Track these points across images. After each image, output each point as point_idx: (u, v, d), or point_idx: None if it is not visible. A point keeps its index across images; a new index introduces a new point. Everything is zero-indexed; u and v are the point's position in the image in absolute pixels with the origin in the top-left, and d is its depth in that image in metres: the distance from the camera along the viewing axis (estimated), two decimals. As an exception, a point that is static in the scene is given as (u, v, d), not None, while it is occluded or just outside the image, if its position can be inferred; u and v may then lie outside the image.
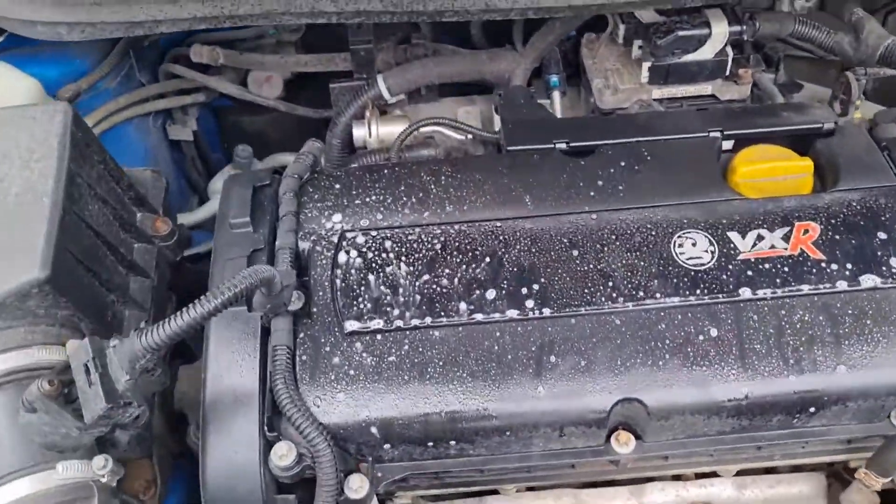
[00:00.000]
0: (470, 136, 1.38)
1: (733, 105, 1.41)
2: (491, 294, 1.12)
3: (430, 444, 1.08)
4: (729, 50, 1.37)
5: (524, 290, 1.12)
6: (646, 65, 1.38)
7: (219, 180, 1.72)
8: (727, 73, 1.39)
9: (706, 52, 1.35)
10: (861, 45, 1.30)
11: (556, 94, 1.45)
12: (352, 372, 1.08)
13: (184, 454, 1.39)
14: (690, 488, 1.24)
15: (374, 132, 1.45)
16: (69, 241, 1.05)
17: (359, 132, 1.46)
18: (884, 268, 1.12)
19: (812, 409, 1.07)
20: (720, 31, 1.32)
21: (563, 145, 1.27)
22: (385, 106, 1.51)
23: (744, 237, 1.15)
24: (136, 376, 0.94)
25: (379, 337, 1.10)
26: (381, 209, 1.21)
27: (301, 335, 1.11)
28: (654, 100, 1.42)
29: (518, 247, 1.16)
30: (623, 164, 1.24)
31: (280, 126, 1.86)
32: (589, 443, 1.09)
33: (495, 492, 1.24)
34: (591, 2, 1.23)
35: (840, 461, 1.20)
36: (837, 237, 1.15)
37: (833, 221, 1.16)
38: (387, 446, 1.08)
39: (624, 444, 1.08)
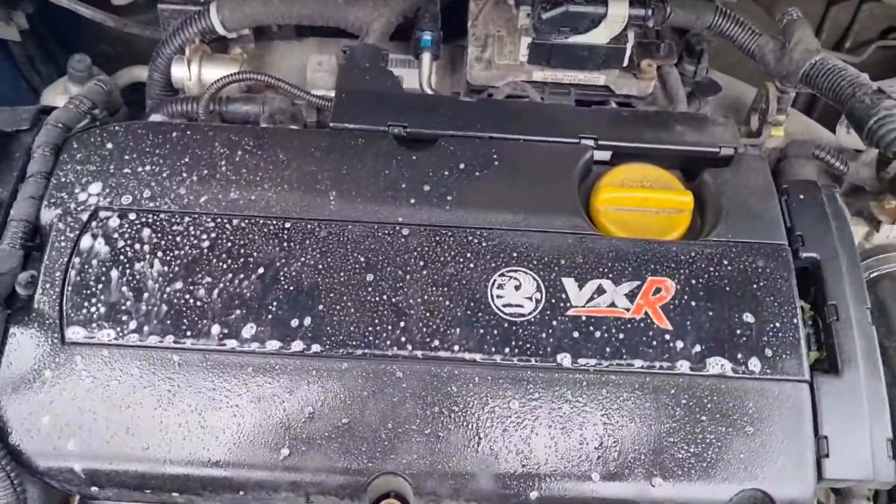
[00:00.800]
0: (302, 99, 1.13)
1: (623, 109, 1.15)
2: (253, 317, 0.90)
3: (149, 491, 0.88)
4: (630, 36, 1.11)
5: (295, 317, 0.90)
6: (526, 40, 1.12)
7: (51, 92, 1.46)
8: (625, 63, 1.13)
9: (600, 36, 1.09)
10: (785, 58, 1.05)
11: (426, 57, 1.19)
12: (64, 392, 0.87)
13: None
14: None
15: (195, 74, 1.19)
16: None
17: (178, 72, 1.20)
18: (739, 353, 0.90)
19: (616, 518, 0.88)
20: (618, 12, 1.06)
21: (399, 130, 1.03)
22: (224, 41, 1.25)
23: (581, 287, 0.93)
24: None
25: (105, 352, 0.89)
26: (153, 184, 0.98)
27: (14, 334, 0.89)
28: (535, 82, 1.16)
29: (303, 259, 0.93)
30: (462, 165, 1.00)
31: (150, 32, 1.59)
32: (344, 513, 0.90)
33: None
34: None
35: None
36: (693, 304, 0.93)
37: (694, 282, 0.94)
38: (94, 488, 0.88)
39: (387, 520, 0.89)
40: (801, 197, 1.02)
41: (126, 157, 1.00)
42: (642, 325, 0.92)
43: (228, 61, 1.21)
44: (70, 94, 1.44)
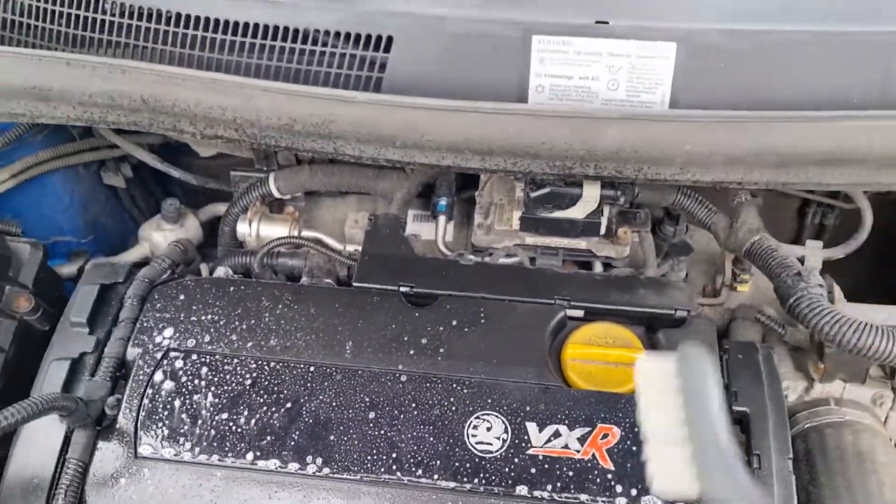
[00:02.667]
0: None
1: (596, 272, 1.37)
2: (280, 443, 1.14)
3: (196, 574, 1.13)
4: (606, 210, 1.33)
5: (311, 445, 1.14)
6: (517, 213, 1.35)
7: (147, 227, 1.78)
8: (602, 232, 1.35)
9: (577, 212, 1.31)
10: (732, 235, 1.25)
11: (441, 219, 1.44)
12: (133, 496, 1.13)
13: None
14: None
15: (255, 232, 1.47)
16: None
17: (241, 228, 1.49)
18: (667, 493, 1.09)
19: None
20: (592, 193, 1.28)
21: (408, 290, 1.28)
22: (281, 199, 1.53)
23: (541, 430, 1.14)
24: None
25: (166, 466, 1.14)
26: (212, 330, 1.25)
27: (101, 448, 1.16)
28: (528, 246, 1.39)
29: (321, 397, 1.18)
30: (454, 322, 1.24)
31: (224, 170, 1.90)
32: None
33: None
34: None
35: None
36: (634, 448, 1.12)
37: (636, 430, 1.13)
38: (153, 573, 1.13)
39: None
40: (740, 356, 1.20)
41: (193, 307, 1.27)
42: (589, 464, 1.11)
43: (281, 221, 1.49)
44: (162, 229, 1.77)
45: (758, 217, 1.25)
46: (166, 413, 1.18)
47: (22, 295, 1.35)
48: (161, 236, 1.77)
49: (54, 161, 1.63)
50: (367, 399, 1.17)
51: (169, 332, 1.25)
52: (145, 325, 1.26)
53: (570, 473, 1.11)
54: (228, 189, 1.70)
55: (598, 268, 1.41)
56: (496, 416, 1.15)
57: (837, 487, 1.12)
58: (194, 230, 1.80)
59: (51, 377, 1.22)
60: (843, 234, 1.48)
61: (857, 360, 1.17)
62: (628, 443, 1.12)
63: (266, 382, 1.19)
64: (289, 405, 1.17)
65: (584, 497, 1.09)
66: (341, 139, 1.15)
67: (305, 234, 1.47)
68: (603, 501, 1.09)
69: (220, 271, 1.40)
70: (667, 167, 1.11)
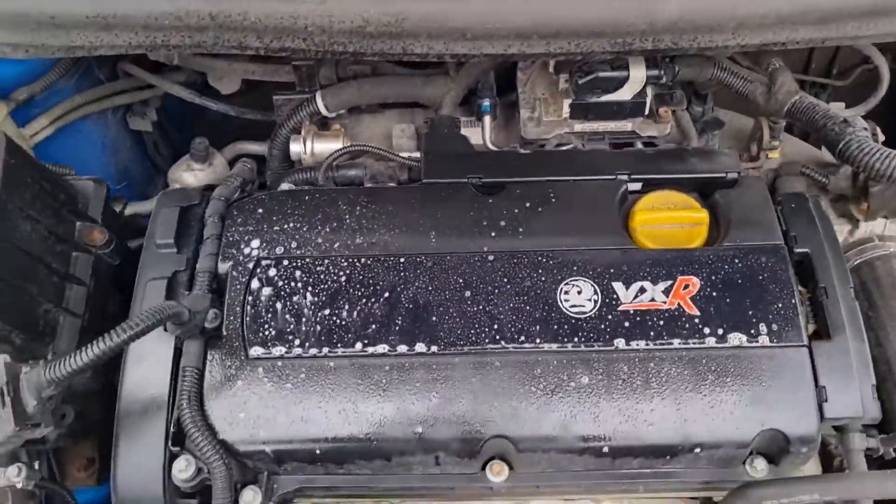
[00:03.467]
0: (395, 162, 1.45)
1: (646, 148, 1.45)
2: (385, 329, 1.21)
3: (319, 463, 1.19)
4: (649, 91, 1.41)
5: (415, 328, 1.21)
6: (566, 101, 1.43)
7: (177, 169, 1.80)
8: (646, 112, 1.43)
9: (625, 94, 1.39)
10: (772, 98, 1.34)
11: (487, 120, 1.50)
12: (252, 395, 1.18)
13: (124, 436, 1.52)
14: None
15: (310, 149, 1.51)
16: (-1, 265, 1.15)
17: (295, 148, 1.53)
18: (752, 328, 1.19)
19: (668, 456, 1.17)
20: (638, 74, 1.36)
21: (476, 180, 1.34)
22: (325, 118, 1.57)
23: (627, 288, 1.23)
24: (43, 402, 1.05)
25: (279, 363, 1.20)
26: (297, 237, 1.29)
27: (211, 356, 1.21)
28: (576, 133, 1.47)
29: (416, 284, 1.24)
30: (528, 204, 1.31)
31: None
32: (464, 470, 1.20)
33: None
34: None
35: (703, 497, 1.30)
36: (714, 294, 1.22)
37: (714, 278, 1.23)
38: (280, 463, 1.19)
39: (497, 474, 1.18)
40: (793, 206, 1.31)
41: (274, 218, 1.32)
42: (676, 313, 1.21)
43: (332, 136, 1.54)
44: (192, 169, 1.79)
45: (793, 79, 1.35)
46: (269, 316, 1.23)
47: (95, 229, 1.38)
48: (191, 176, 1.79)
49: (89, 105, 1.64)
50: (460, 280, 1.24)
51: (256, 243, 1.29)
52: (231, 239, 1.30)
53: (661, 322, 1.20)
54: (265, 119, 1.74)
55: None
56: (584, 281, 1.23)
57: (893, 308, 1.24)
58: (222, 167, 1.83)
59: (150, 296, 1.25)
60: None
61: (896, 197, 1.29)
62: (708, 290, 1.22)
63: (361, 277, 1.25)
64: (387, 295, 1.23)
65: (676, 342, 1.19)
66: (412, 37, 1.20)
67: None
68: (694, 343, 1.19)
69: (285, 187, 1.44)
70: (720, 34, 1.19)
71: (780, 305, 1.21)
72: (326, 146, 1.51)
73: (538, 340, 1.19)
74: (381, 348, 1.20)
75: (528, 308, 1.22)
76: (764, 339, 1.18)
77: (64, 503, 1.28)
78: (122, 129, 1.83)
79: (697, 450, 1.15)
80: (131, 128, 1.84)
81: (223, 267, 1.28)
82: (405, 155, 1.48)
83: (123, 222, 1.59)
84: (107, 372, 1.37)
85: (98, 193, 1.42)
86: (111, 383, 1.46)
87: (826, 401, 1.16)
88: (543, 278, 1.24)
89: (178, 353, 1.22)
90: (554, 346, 1.19)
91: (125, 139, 1.84)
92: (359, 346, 1.20)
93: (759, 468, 1.19)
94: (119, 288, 1.51)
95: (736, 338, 1.19)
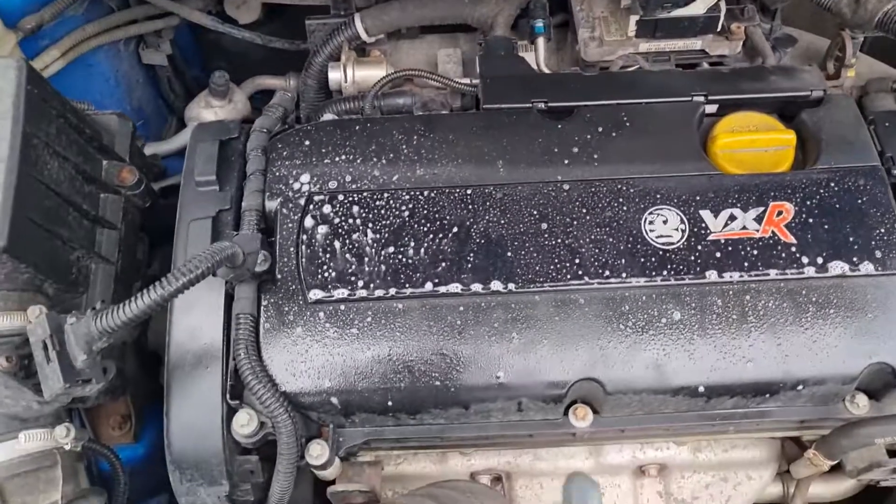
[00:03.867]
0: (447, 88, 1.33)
1: (720, 67, 1.35)
2: (456, 267, 1.11)
3: (390, 413, 1.10)
4: (722, 4, 1.30)
5: (490, 264, 1.11)
6: (634, 18, 1.31)
7: (195, 106, 1.67)
8: (719, 28, 1.33)
9: (698, 7, 1.28)
10: (860, 9, 1.24)
11: (541, 41, 1.38)
12: (314, 342, 1.09)
13: (159, 391, 1.42)
14: (647, 451, 1.28)
15: (350, 77, 1.39)
16: (27, 206, 1.03)
17: (334, 76, 1.40)
18: (854, 256, 1.10)
19: (767, 395, 1.09)
20: (714, -15, 1.25)
21: (542, 105, 1.23)
22: (363, 44, 1.45)
23: (716, 216, 1.13)
24: (93, 356, 0.94)
25: (342, 307, 1.10)
26: (351, 170, 1.18)
27: (265, 302, 1.11)
28: (641, 54, 1.36)
29: (487, 217, 1.14)
30: (601, 129, 1.20)
31: (262, 45, 1.79)
32: (547, 416, 1.12)
33: (457, 447, 1.28)
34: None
35: (793, 437, 1.23)
36: (811, 220, 1.13)
37: (808, 203, 1.14)
38: (347, 414, 1.10)
39: (581, 419, 1.11)
40: (887, 124, 1.21)
41: (323, 150, 1.20)
42: (771, 241, 1.12)
43: (374, 63, 1.41)
44: (211, 106, 1.67)
45: (882, -11, 1.24)
46: (328, 256, 1.12)
47: (124, 168, 1.26)
48: (211, 113, 1.67)
49: (100, 36, 1.50)
50: (534, 212, 1.14)
51: (305, 177, 1.18)
52: (277, 174, 1.18)
53: (755, 252, 1.11)
54: (292, 48, 1.61)
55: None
56: (669, 209, 1.14)
57: None
58: (242, 104, 1.71)
59: (194, 237, 1.14)
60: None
61: None
62: (804, 216, 1.13)
63: (426, 211, 1.14)
64: (455, 230, 1.13)
65: (773, 273, 1.10)
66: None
67: (400, 73, 1.40)
68: (792, 273, 1.10)
69: (327, 118, 1.32)
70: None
71: (882, 231, 1.12)
72: (369, 73, 1.39)
73: (624, 275, 1.10)
74: (454, 287, 1.10)
75: (611, 240, 1.12)
76: (867, 268, 1.10)
77: (109, 464, 1.19)
78: (135, 63, 1.69)
79: (800, 387, 1.07)
80: (144, 62, 1.70)
81: (271, 205, 1.17)
82: (457, 80, 1.36)
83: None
84: (139, 324, 1.27)
85: (124, 130, 1.29)
86: (144, 335, 1.37)
87: (935, 331, 1.08)
88: (625, 208, 1.14)
89: (229, 299, 1.12)
90: (642, 281, 1.10)
91: (138, 75, 1.70)
92: (429, 285, 1.10)
93: (860, 405, 1.11)
94: (145, 232, 1.40)
95: (837, 266, 1.10)
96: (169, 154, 1.67)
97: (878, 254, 1.10)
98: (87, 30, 1.47)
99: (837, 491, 1.39)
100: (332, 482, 1.17)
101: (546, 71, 1.39)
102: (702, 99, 1.23)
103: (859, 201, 1.14)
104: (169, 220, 1.22)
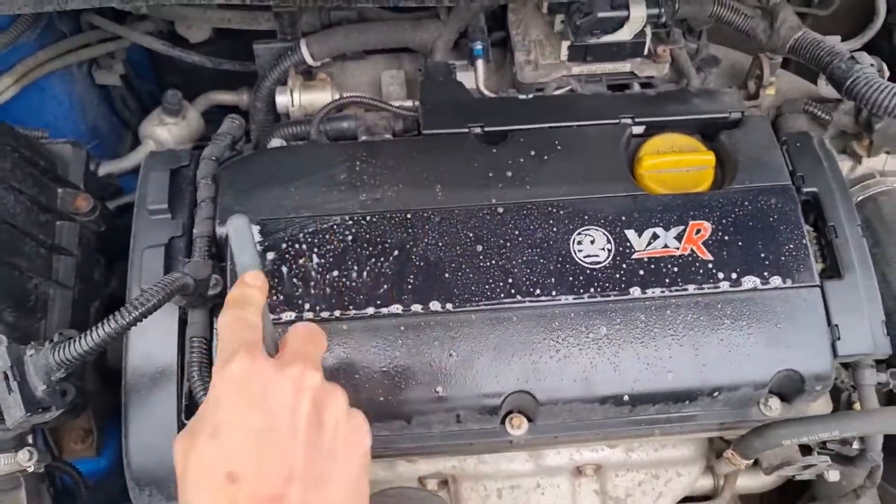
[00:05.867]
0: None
1: (647, 90, 1.42)
2: (397, 289, 1.18)
3: (338, 427, 1.17)
4: (648, 30, 1.37)
5: (428, 286, 1.18)
6: (565, 43, 1.38)
7: (148, 125, 1.71)
8: (646, 52, 1.40)
9: (624, 34, 1.35)
10: (774, 35, 1.32)
11: (480, 63, 1.45)
12: (265, 362, 1.15)
13: (119, 406, 1.48)
14: (584, 452, 1.37)
15: (297, 101, 1.45)
16: (-16, 241, 1.08)
17: (281, 100, 1.46)
18: (765, 270, 1.19)
19: (687, 401, 1.17)
20: (639, 14, 1.32)
21: (478, 130, 1.30)
22: (309, 68, 1.51)
23: (640, 235, 1.21)
24: (52, 386, 1.00)
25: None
26: (297, 196, 1.24)
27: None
28: (574, 76, 1.43)
29: (426, 240, 1.21)
30: (533, 153, 1.27)
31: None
32: (485, 426, 1.19)
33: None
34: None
35: (715, 436, 1.32)
36: (726, 238, 1.21)
37: (724, 221, 1.22)
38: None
39: (517, 427, 1.18)
40: (798, 145, 1.29)
41: (270, 177, 1.26)
42: (690, 258, 1.20)
43: (320, 86, 1.47)
44: (165, 124, 1.72)
45: (795, 14, 1.32)
46: (276, 280, 1.18)
47: (79, 195, 1.31)
48: (165, 131, 1.72)
49: (54, 61, 1.54)
50: (470, 234, 1.21)
51: (253, 204, 1.24)
52: (227, 201, 1.24)
53: (675, 269, 1.19)
54: (242, 70, 1.66)
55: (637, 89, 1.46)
56: (596, 230, 1.22)
57: (899, 244, 1.25)
58: (196, 120, 1.76)
59: (148, 265, 1.20)
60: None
61: (897, 134, 1.29)
62: (720, 233, 1.21)
63: (368, 236, 1.21)
64: (396, 253, 1.20)
65: (691, 287, 1.18)
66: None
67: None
68: (709, 288, 1.18)
69: (275, 143, 1.37)
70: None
71: (791, 247, 1.21)
72: (315, 97, 1.45)
73: (554, 293, 1.18)
74: (395, 308, 1.17)
75: (542, 260, 1.19)
76: (777, 281, 1.19)
77: (71, 480, 1.24)
78: (89, 84, 1.73)
79: (716, 393, 1.16)
80: (97, 82, 1.74)
81: (221, 231, 1.22)
82: (397, 104, 1.42)
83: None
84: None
85: (77, 157, 1.34)
86: (103, 354, 1.42)
87: (839, 339, 1.17)
88: (555, 229, 1.22)
89: (182, 324, 1.18)
90: (570, 298, 1.18)
91: (92, 95, 1.74)
92: (370, 309, 1.17)
93: (773, 407, 1.20)
94: (102, 254, 1.45)
95: (750, 281, 1.19)
96: (124, 172, 1.71)
97: (787, 268, 1.19)
98: (40, 56, 1.51)
99: (764, 483, 1.50)
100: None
101: (486, 91, 1.45)
102: (629, 121, 1.31)
103: (771, 219, 1.22)
104: (125, 238, 1.28)
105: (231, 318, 0.90)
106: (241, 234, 0.99)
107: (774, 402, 1.21)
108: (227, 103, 1.81)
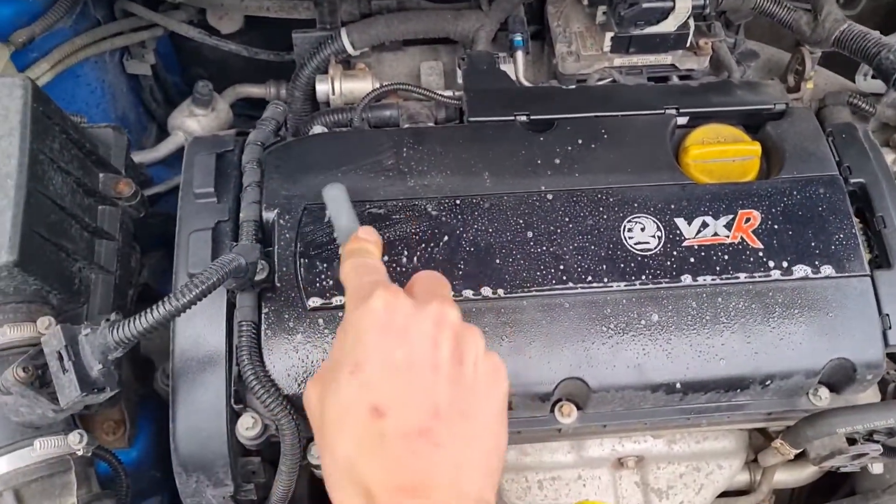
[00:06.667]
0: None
1: (690, 81, 1.42)
2: (448, 274, 1.15)
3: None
4: (691, 22, 1.38)
5: (479, 271, 1.17)
6: (608, 34, 1.38)
7: (178, 116, 1.70)
8: (688, 44, 1.40)
9: (669, 25, 1.36)
10: (818, 27, 1.33)
11: (520, 55, 1.45)
12: (314, 347, 1.13)
13: (150, 396, 1.46)
14: (626, 443, 1.36)
15: (338, 89, 1.44)
16: (35, 221, 1.06)
17: (322, 88, 1.45)
18: (815, 259, 1.19)
19: (738, 389, 1.17)
20: (684, 4, 1.33)
21: (524, 118, 1.30)
22: (348, 57, 1.50)
23: (689, 223, 1.21)
24: (108, 365, 0.98)
25: (340, 313, 1.15)
26: (344, 181, 1.22)
27: (266, 310, 1.15)
28: (615, 68, 1.43)
29: (476, 226, 1.20)
30: (580, 141, 1.27)
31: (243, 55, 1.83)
32: (534, 413, 1.18)
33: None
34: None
35: (761, 427, 1.32)
36: (776, 226, 1.21)
37: (774, 210, 1.22)
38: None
39: (567, 416, 1.17)
40: (844, 136, 1.30)
41: (317, 162, 1.25)
42: (740, 247, 1.20)
43: (360, 75, 1.46)
44: (195, 115, 1.71)
45: (839, 8, 1.33)
46: (325, 265, 1.17)
47: (121, 180, 1.29)
48: (195, 122, 1.71)
49: (89, 48, 1.53)
50: (520, 221, 1.20)
51: (300, 189, 1.22)
52: (273, 185, 1.23)
53: (726, 257, 1.19)
54: (276, 60, 1.65)
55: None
56: (646, 217, 1.21)
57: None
58: (225, 112, 1.75)
59: (196, 249, 1.18)
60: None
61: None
62: (770, 222, 1.21)
63: (417, 221, 1.20)
64: (446, 238, 1.19)
65: (742, 276, 1.18)
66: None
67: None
68: (760, 276, 1.18)
69: (317, 129, 1.36)
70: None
71: (840, 236, 1.21)
72: (356, 85, 1.44)
73: (606, 279, 1.17)
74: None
75: (592, 247, 1.19)
76: (828, 270, 1.19)
77: (111, 467, 1.22)
78: (119, 73, 1.72)
79: (768, 381, 1.16)
80: (128, 71, 1.73)
81: (267, 215, 1.21)
82: (441, 93, 1.42)
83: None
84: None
85: (119, 142, 1.33)
86: (137, 343, 1.40)
87: (890, 328, 1.17)
88: (605, 216, 1.21)
89: (230, 308, 1.16)
90: (622, 285, 1.17)
91: (122, 84, 1.73)
92: (422, 292, 1.16)
93: (822, 397, 1.20)
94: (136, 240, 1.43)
95: (801, 270, 1.19)
96: (154, 162, 1.70)
97: (837, 257, 1.19)
98: (76, 42, 1.50)
99: (800, 477, 1.49)
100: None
101: (525, 83, 1.45)
102: (674, 112, 1.31)
103: (820, 208, 1.23)
104: (154, 228, 1.26)
105: (355, 264, 0.91)
106: (339, 200, 1.02)
107: (823, 392, 1.20)
108: (255, 96, 1.80)
